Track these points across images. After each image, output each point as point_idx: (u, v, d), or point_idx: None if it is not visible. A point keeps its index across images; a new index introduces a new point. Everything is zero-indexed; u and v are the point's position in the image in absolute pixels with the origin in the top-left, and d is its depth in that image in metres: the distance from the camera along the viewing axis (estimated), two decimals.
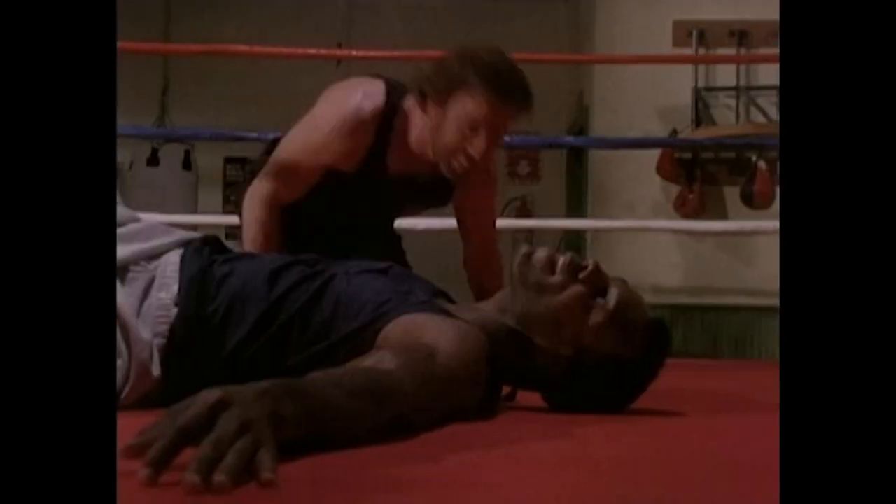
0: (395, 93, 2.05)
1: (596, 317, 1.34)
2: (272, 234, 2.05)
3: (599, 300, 1.35)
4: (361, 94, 2.02)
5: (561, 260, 1.36)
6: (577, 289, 1.34)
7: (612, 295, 1.35)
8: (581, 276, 1.35)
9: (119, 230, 1.41)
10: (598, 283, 1.36)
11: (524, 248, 1.38)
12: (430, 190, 2.16)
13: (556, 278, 1.35)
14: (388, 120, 2.03)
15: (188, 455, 0.71)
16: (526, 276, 1.36)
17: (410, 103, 2.04)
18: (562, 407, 1.41)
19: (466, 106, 1.93)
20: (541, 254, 1.37)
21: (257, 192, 2.08)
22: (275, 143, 2.21)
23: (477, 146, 1.94)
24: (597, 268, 1.36)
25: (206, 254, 1.42)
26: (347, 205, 2.16)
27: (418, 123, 2.04)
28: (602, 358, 1.35)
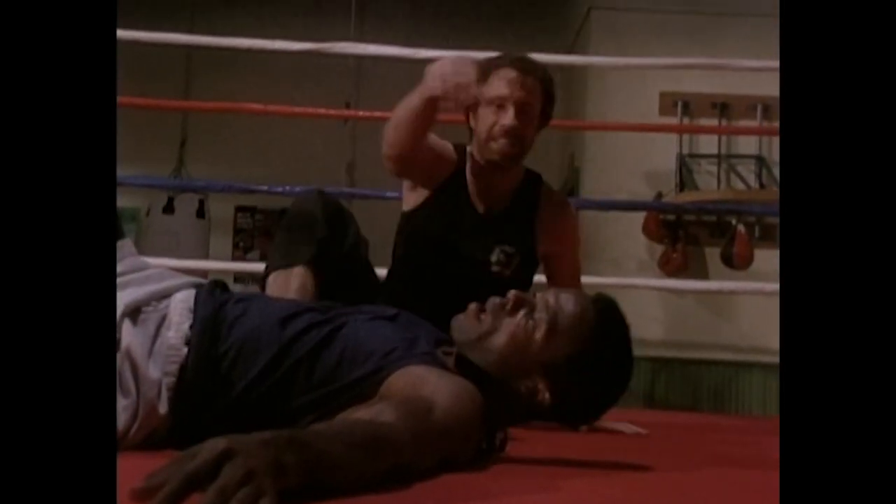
0: (459, 146, 2.26)
1: (538, 333, 1.33)
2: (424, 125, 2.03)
3: (535, 318, 1.34)
4: None
5: (485, 306, 1.37)
6: (508, 322, 1.35)
7: (541, 305, 1.35)
8: (507, 308, 1.35)
9: (133, 276, 1.41)
10: (526, 307, 1.36)
11: (456, 319, 1.39)
12: (513, 224, 2.22)
13: (487, 321, 1.35)
14: (459, 158, 2.23)
15: (194, 501, 0.70)
16: (463, 336, 1.36)
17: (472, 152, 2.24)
18: (573, 421, 1.42)
19: (489, 90, 2.12)
20: (464, 314, 1.38)
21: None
22: None
23: (506, 119, 2.11)
24: (516, 296, 1.36)
25: (218, 294, 1.42)
26: (442, 233, 2.20)
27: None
28: (569, 363, 1.33)
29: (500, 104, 2.12)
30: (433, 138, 2.18)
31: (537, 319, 1.34)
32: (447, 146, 2.24)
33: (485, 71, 2.13)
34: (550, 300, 1.36)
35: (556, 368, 1.33)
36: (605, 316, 1.38)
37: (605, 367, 1.37)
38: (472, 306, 1.38)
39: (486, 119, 2.15)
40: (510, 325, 1.35)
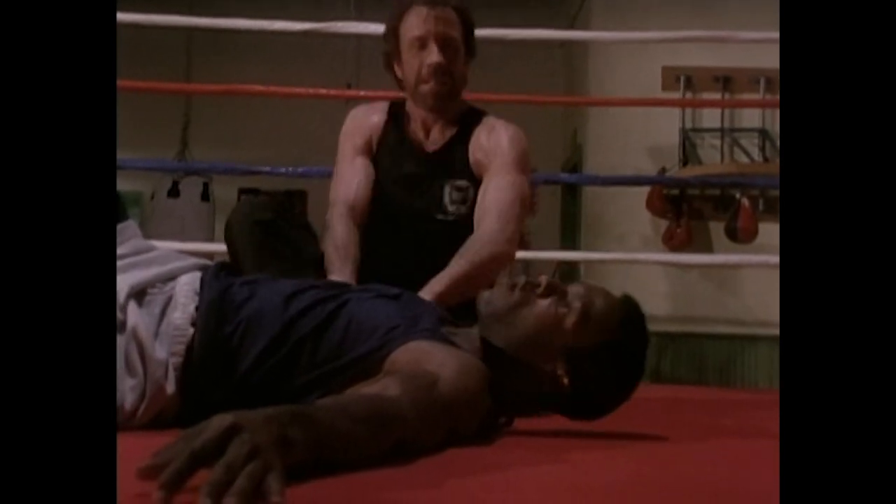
0: (395, 102, 2.20)
1: (569, 319, 1.35)
2: (349, 248, 1.96)
3: (566, 306, 1.36)
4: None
5: (516, 282, 1.39)
6: (541, 304, 1.37)
7: (575, 295, 1.37)
8: (538, 292, 1.37)
9: (138, 258, 1.41)
10: (557, 294, 1.38)
11: (483, 293, 1.41)
12: (456, 156, 2.10)
13: (517, 295, 1.38)
14: (395, 110, 2.17)
15: (201, 478, 0.70)
16: (490, 308, 1.38)
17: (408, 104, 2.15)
18: (586, 413, 1.42)
19: (407, 31, 2.04)
20: (492, 288, 1.41)
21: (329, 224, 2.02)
22: None
23: (430, 57, 2.02)
24: (550, 281, 1.39)
25: (224, 277, 1.42)
26: (395, 182, 2.11)
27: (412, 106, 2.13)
28: (593, 352, 1.35)
29: (420, 44, 2.03)
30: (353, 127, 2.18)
31: (571, 306, 1.36)
32: (373, 110, 2.18)
33: (398, 13, 2.06)
34: (582, 290, 1.39)
35: (581, 356, 1.35)
36: (632, 314, 1.41)
37: (625, 361, 1.40)
38: (504, 280, 1.41)
39: (410, 63, 2.05)
40: (541, 306, 1.37)
